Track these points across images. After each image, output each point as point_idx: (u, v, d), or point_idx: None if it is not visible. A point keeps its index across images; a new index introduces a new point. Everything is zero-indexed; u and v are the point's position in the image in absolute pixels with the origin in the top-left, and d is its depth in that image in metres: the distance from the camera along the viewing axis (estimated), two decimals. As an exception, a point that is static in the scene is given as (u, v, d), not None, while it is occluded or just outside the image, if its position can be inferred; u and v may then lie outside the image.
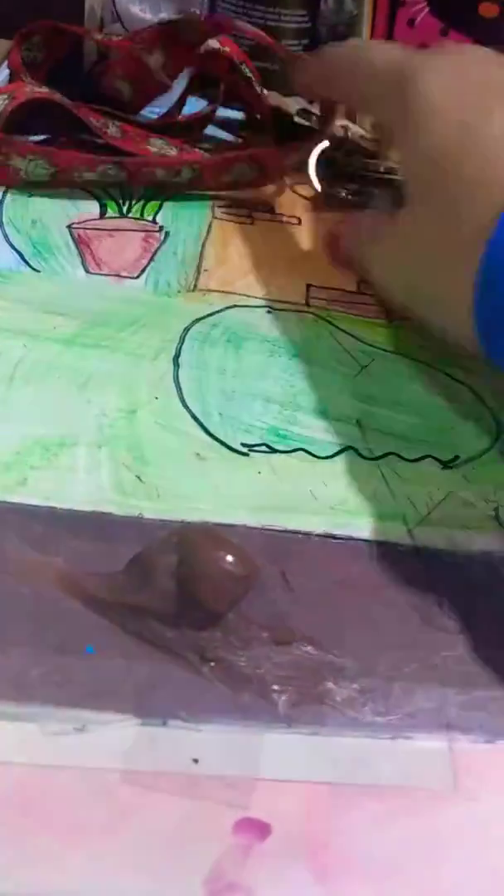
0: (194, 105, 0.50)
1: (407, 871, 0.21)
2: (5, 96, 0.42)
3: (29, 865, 0.20)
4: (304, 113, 0.50)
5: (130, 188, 0.43)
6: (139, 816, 0.21)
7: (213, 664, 0.24)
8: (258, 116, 0.49)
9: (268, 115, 0.49)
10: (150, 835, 0.21)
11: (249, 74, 0.47)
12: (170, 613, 0.24)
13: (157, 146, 0.45)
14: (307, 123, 0.50)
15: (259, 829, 0.21)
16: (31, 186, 0.42)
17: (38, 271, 0.38)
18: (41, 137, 0.44)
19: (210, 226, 0.44)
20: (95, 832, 0.21)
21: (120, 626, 0.25)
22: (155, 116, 0.49)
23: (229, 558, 0.25)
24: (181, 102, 0.51)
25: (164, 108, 0.49)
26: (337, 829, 0.22)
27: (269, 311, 0.38)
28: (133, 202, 0.44)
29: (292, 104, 0.50)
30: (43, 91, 0.43)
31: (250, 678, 0.24)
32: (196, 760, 0.22)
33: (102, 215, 0.43)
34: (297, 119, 0.50)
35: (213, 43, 0.47)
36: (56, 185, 0.42)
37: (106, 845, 0.20)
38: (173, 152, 0.46)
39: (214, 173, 0.44)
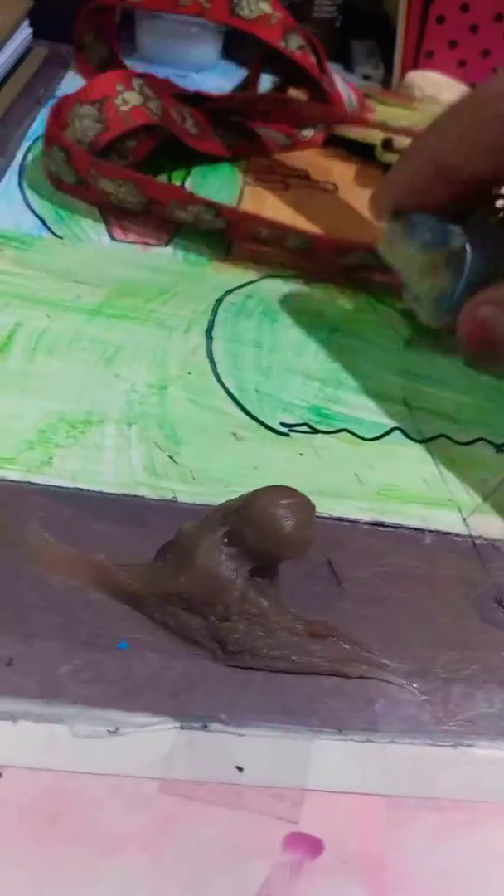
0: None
1: (469, 891, 0.19)
2: (99, 125, 0.39)
3: (58, 882, 0.18)
4: (389, 147, 0.45)
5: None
6: (179, 830, 0.19)
7: (232, 652, 0.22)
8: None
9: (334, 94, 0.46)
10: (191, 850, 0.19)
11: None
12: (203, 597, 0.22)
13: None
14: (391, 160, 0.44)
15: (310, 844, 0.19)
16: (127, 214, 0.38)
17: (60, 238, 0.36)
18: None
19: (242, 192, 0.42)
20: (130, 846, 0.19)
21: (149, 617, 0.23)
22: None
23: (286, 501, 0.23)
24: (255, 78, 0.48)
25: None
26: (394, 845, 0.20)
27: (305, 282, 0.36)
28: (160, 168, 0.41)
29: (375, 134, 0.45)
30: (135, 115, 0.39)
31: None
32: (240, 769, 0.20)
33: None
34: (380, 154, 0.45)
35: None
36: (151, 215, 0.37)
37: (142, 861, 0.19)
38: (279, 139, 0.44)
39: (327, 250, 0.37)
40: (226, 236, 0.37)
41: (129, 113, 0.39)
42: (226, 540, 0.22)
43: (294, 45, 0.45)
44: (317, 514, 0.26)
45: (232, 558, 0.22)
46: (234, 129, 0.44)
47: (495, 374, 0.31)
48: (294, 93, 0.47)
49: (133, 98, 0.39)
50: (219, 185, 0.42)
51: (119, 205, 0.37)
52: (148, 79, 0.41)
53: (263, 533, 0.22)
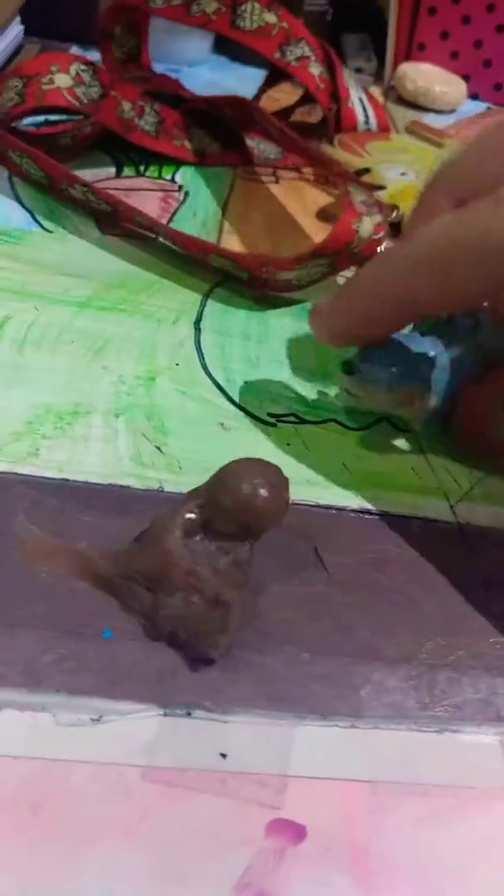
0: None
1: (455, 877, 0.19)
2: (17, 98, 0.38)
3: (41, 870, 0.18)
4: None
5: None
6: (162, 816, 0.19)
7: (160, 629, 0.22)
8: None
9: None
10: (174, 837, 0.19)
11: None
12: (153, 572, 0.22)
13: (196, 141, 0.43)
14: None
15: (294, 830, 0.19)
16: (37, 185, 0.38)
17: (50, 231, 0.36)
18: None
19: (233, 185, 0.42)
20: (113, 834, 0.19)
21: (120, 601, 0.22)
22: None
23: (258, 468, 0.23)
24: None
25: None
26: (378, 831, 0.20)
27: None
28: (150, 161, 0.42)
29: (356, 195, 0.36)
30: (50, 96, 0.39)
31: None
32: (224, 755, 0.20)
33: (118, 174, 0.41)
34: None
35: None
36: (52, 192, 0.38)
37: (125, 848, 0.19)
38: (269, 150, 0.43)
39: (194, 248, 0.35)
40: (115, 217, 0.37)
41: (46, 92, 0.38)
42: (191, 516, 0.22)
43: (292, 56, 0.43)
44: (304, 502, 0.26)
45: (191, 534, 0.22)
46: (223, 134, 0.44)
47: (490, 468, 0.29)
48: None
49: (61, 80, 0.39)
50: (209, 177, 0.42)
51: (28, 176, 0.38)
52: (99, 68, 0.40)
53: (237, 500, 0.21)
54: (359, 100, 0.47)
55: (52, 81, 0.38)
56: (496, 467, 0.29)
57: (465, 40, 0.57)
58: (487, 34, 0.56)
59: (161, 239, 0.36)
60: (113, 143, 0.41)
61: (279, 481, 0.22)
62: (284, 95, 0.48)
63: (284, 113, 0.47)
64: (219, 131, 0.43)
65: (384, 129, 0.48)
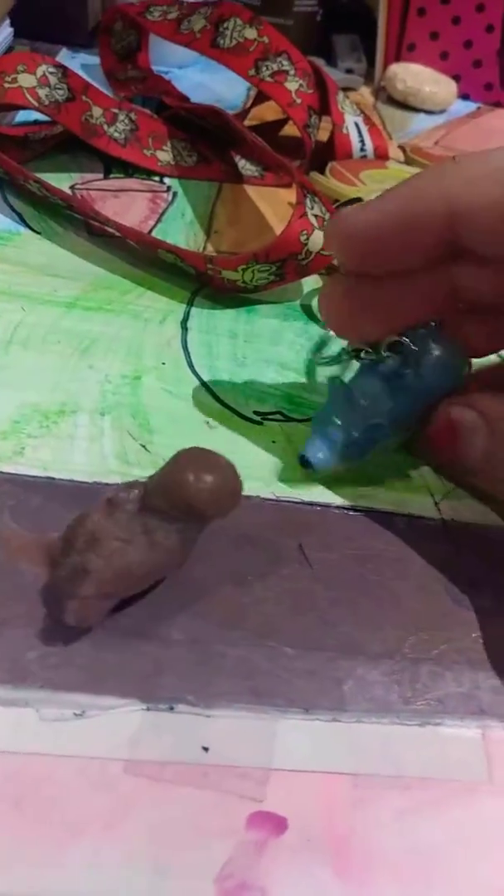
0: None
1: (436, 869, 0.19)
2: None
3: (24, 863, 0.18)
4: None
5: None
6: (144, 809, 0.19)
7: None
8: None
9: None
10: (156, 829, 0.19)
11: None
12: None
13: (170, 155, 0.42)
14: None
15: (275, 823, 0.20)
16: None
17: (38, 233, 0.36)
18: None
19: (221, 186, 0.42)
20: (96, 827, 0.19)
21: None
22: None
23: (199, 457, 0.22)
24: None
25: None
26: (359, 824, 0.20)
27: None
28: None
29: (311, 207, 0.35)
30: (10, 95, 0.39)
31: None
32: (206, 749, 0.20)
33: (106, 175, 0.41)
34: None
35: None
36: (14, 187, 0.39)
37: (108, 841, 0.19)
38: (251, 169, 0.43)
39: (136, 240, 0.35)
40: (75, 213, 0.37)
41: (6, 90, 0.39)
42: (123, 494, 0.22)
43: (267, 72, 0.41)
44: (289, 499, 0.27)
45: (120, 505, 0.22)
46: (210, 145, 0.43)
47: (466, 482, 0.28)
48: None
49: (25, 80, 0.39)
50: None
51: None
52: (70, 72, 0.40)
53: (179, 482, 0.21)
54: (354, 125, 0.45)
55: (15, 80, 0.39)
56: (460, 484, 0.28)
57: (454, 40, 0.57)
58: (477, 34, 0.57)
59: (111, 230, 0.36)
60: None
61: (227, 471, 0.22)
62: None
63: (276, 125, 0.47)
64: (205, 142, 0.43)
65: (382, 157, 0.45)
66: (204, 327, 0.33)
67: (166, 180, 0.42)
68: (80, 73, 0.41)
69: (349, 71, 0.57)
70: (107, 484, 0.26)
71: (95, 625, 0.22)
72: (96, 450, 0.27)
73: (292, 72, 0.42)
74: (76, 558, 0.21)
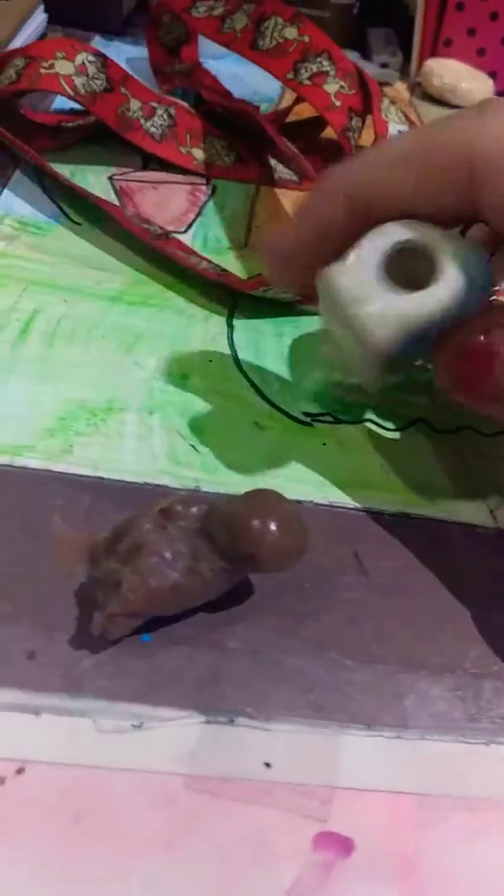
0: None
1: (502, 892, 0.19)
2: (14, 77, 0.38)
3: (81, 881, 0.18)
4: None
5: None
6: (206, 827, 0.19)
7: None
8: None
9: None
10: (218, 849, 0.18)
11: None
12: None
13: (208, 152, 0.41)
14: None
15: (341, 844, 0.19)
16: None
17: (78, 224, 0.35)
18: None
19: (258, 188, 0.41)
20: (156, 845, 0.18)
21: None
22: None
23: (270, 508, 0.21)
24: None
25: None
26: (425, 845, 0.19)
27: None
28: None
29: None
30: (45, 81, 0.38)
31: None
32: (268, 765, 0.20)
33: (145, 167, 0.40)
34: None
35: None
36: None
37: (167, 860, 0.18)
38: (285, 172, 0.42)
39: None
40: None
41: (42, 76, 0.37)
42: (181, 509, 0.21)
43: (306, 74, 0.40)
44: (343, 504, 0.26)
45: (175, 518, 0.21)
46: (249, 144, 0.42)
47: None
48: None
49: (62, 67, 0.38)
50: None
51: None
52: (110, 62, 0.39)
53: (234, 526, 0.20)
54: (399, 134, 0.43)
55: (52, 66, 0.38)
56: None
57: (492, 37, 0.56)
58: (515, 31, 0.56)
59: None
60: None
61: (296, 525, 0.21)
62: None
63: (318, 123, 0.46)
64: (242, 141, 0.42)
65: None
66: (249, 325, 0.32)
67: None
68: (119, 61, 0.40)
69: (384, 65, 0.56)
70: (157, 485, 0.25)
71: (121, 637, 0.21)
72: (145, 449, 0.26)
73: (332, 72, 0.40)
74: (114, 565, 0.21)
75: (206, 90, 0.44)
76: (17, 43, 0.46)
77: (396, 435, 0.29)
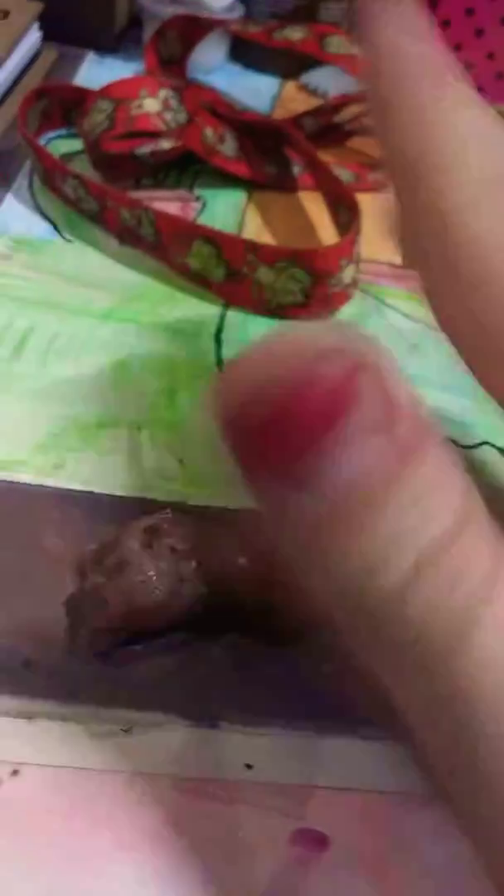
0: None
1: (477, 889, 0.20)
2: (107, 122, 0.39)
3: (73, 875, 0.19)
4: None
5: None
6: (190, 826, 0.20)
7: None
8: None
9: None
10: (202, 846, 0.19)
11: None
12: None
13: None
14: None
15: (317, 841, 0.20)
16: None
17: (70, 241, 0.37)
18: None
19: (250, 194, 0.42)
20: (143, 843, 0.19)
21: None
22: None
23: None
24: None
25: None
26: (400, 841, 0.20)
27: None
28: (169, 171, 0.42)
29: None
30: (139, 121, 0.39)
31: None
32: (250, 766, 0.21)
33: (137, 184, 0.41)
34: None
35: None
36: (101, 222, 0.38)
37: (154, 856, 0.19)
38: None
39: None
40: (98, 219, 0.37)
41: (135, 117, 0.39)
42: (168, 527, 0.22)
43: None
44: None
45: (162, 535, 0.22)
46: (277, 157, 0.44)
47: None
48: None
49: (150, 105, 0.40)
50: (227, 186, 0.42)
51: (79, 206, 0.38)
52: (191, 93, 0.41)
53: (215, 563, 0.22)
54: None
55: (140, 107, 0.39)
56: None
57: (478, 52, 0.57)
58: (501, 46, 0.57)
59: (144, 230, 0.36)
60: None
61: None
62: (297, 103, 0.49)
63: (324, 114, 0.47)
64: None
65: None
66: (238, 339, 0.33)
67: (194, 189, 0.42)
68: (108, 78, 0.41)
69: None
70: (147, 499, 0.26)
71: (107, 650, 0.22)
72: (135, 464, 0.27)
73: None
74: (100, 580, 0.22)
75: (221, 106, 0.45)
76: (14, 60, 0.47)
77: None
